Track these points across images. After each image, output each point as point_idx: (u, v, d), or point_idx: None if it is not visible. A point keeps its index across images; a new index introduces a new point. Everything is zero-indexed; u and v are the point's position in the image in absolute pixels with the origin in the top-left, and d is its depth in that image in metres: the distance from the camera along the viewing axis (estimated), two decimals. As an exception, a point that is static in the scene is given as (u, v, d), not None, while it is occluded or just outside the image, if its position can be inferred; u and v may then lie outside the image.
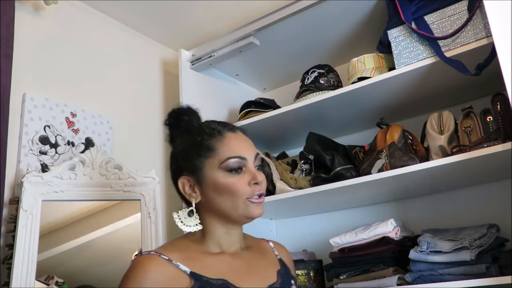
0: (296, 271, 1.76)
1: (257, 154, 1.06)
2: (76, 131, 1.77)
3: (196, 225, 1.03)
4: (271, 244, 1.18)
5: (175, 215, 1.04)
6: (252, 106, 1.92)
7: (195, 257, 1.00)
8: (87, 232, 1.67)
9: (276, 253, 1.15)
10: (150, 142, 2.11)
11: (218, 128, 1.05)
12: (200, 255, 1.01)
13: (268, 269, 1.08)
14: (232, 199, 1.00)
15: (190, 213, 1.04)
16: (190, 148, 1.04)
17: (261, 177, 1.02)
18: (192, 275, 0.95)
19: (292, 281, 1.10)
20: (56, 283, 1.51)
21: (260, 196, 1.02)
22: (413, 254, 1.47)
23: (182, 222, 1.03)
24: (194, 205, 1.03)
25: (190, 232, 1.05)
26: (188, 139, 1.06)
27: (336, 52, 2.02)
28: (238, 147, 1.02)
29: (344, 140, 1.97)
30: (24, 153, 1.59)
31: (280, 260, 1.13)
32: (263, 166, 1.07)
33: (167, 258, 0.96)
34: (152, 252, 0.97)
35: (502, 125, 1.36)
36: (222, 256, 1.03)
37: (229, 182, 0.99)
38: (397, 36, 1.53)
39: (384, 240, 1.59)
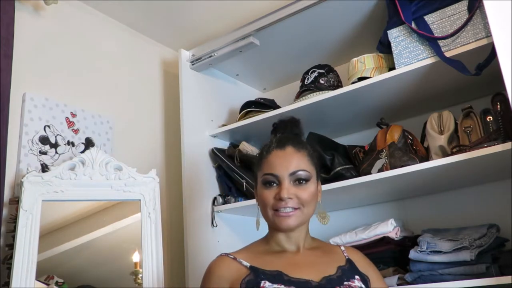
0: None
1: (298, 171, 1.14)
2: (76, 131, 1.77)
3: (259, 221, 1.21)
4: (342, 248, 1.25)
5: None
6: (252, 106, 1.92)
7: (259, 255, 1.16)
8: (87, 232, 1.67)
9: (345, 254, 1.21)
10: (150, 142, 2.11)
11: (269, 145, 1.20)
12: (263, 253, 1.17)
13: (329, 264, 1.15)
14: (264, 209, 1.16)
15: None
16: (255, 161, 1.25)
17: (287, 193, 1.11)
18: (251, 268, 1.11)
19: (357, 276, 1.12)
20: (56, 283, 1.51)
21: (294, 209, 1.13)
22: (413, 254, 1.47)
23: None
24: (257, 206, 1.21)
25: (265, 235, 1.23)
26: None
27: (336, 52, 2.02)
28: (276, 164, 1.15)
29: (344, 140, 1.96)
30: (24, 153, 1.59)
31: (348, 260, 1.18)
32: (306, 180, 1.16)
33: (232, 257, 1.15)
34: (223, 254, 1.18)
35: (502, 125, 1.36)
36: (283, 253, 1.17)
37: (262, 193, 1.16)
38: (397, 36, 1.53)
39: (384, 240, 1.59)
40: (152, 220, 1.65)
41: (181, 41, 2.23)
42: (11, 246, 1.44)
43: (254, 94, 2.28)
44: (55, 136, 1.70)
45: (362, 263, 1.20)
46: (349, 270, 1.14)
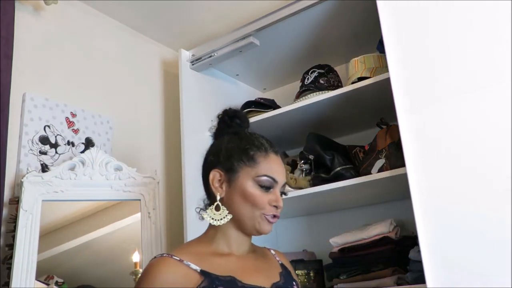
0: (296, 271, 1.76)
1: (285, 183, 1.17)
2: (76, 131, 1.77)
3: (226, 216, 1.10)
4: (272, 251, 1.27)
5: (205, 215, 1.12)
6: (252, 106, 1.92)
7: (205, 257, 1.08)
8: (87, 232, 1.67)
9: (277, 258, 1.24)
10: (150, 142, 2.11)
11: (266, 146, 1.15)
12: (209, 256, 1.09)
13: (272, 270, 1.16)
14: (251, 209, 1.09)
15: (217, 208, 1.12)
16: (235, 150, 1.14)
17: (281, 202, 1.12)
18: (202, 272, 1.02)
19: (294, 283, 1.16)
20: (56, 283, 1.51)
21: (274, 217, 1.12)
22: (413, 254, 1.47)
23: (212, 218, 1.11)
24: (218, 199, 1.12)
25: (201, 235, 1.16)
26: (236, 142, 1.16)
27: (336, 52, 2.02)
28: (276, 170, 1.13)
29: (344, 140, 1.96)
30: (24, 153, 1.59)
31: (282, 265, 1.21)
32: (285, 194, 1.19)
33: (178, 258, 1.03)
34: (165, 255, 1.05)
35: (502, 125, 1.36)
36: (230, 257, 1.11)
37: (256, 194, 1.10)
38: (397, 36, 1.53)
39: (384, 240, 1.59)
40: (152, 220, 1.65)
41: (181, 41, 2.23)
42: (11, 246, 1.44)
43: (254, 94, 2.28)
44: (55, 136, 1.70)
45: (290, 267, 1.23)
46: (287, 276, 1.17)
